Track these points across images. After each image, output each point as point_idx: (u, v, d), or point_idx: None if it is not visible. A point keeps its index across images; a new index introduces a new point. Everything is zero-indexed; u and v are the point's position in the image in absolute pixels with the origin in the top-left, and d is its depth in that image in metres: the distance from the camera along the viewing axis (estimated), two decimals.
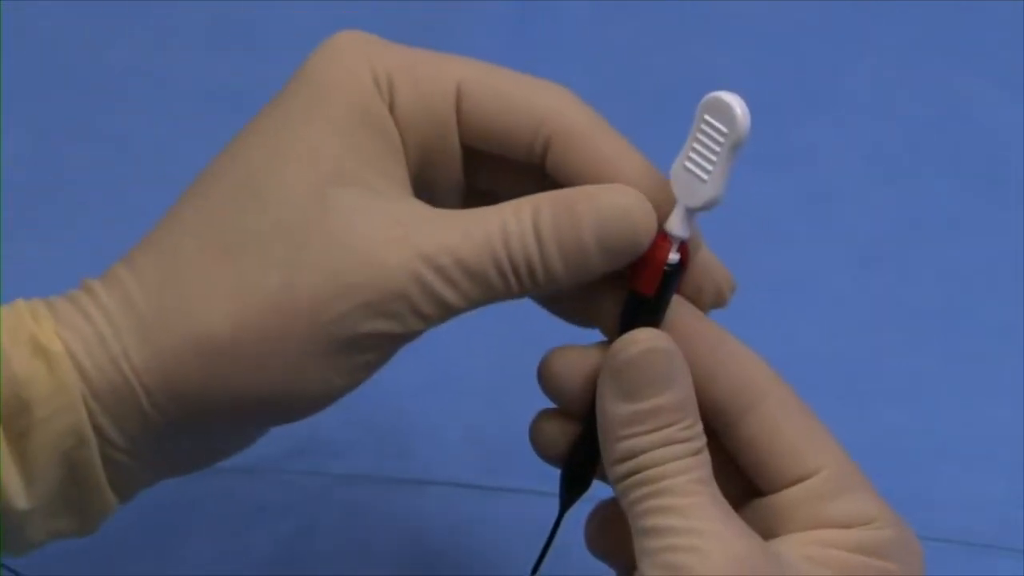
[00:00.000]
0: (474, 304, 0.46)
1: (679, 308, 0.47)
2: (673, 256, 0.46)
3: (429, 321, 0.45)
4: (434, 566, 0.59)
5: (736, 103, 0.45)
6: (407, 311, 0.45)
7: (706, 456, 0.46)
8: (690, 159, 0.46)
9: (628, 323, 0.47)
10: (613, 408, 0.46)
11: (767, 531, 0.47)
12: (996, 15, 0.77)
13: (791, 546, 0.46)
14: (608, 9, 0.77)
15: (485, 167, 0.48)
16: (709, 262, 0.49)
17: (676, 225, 0.46)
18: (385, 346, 0.46)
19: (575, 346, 0.48)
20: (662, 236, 0.46)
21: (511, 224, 0.45)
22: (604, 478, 0.48)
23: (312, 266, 0.45)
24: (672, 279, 0.46)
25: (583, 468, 0.48)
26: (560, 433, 0.49)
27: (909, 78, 0.75)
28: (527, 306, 0.63)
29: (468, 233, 0.45)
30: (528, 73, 0.77)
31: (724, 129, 0.45)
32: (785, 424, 0.47)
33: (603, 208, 0.46)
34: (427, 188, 0.48)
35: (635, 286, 0.47)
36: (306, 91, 0.48)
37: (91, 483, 0.46)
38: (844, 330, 0.67)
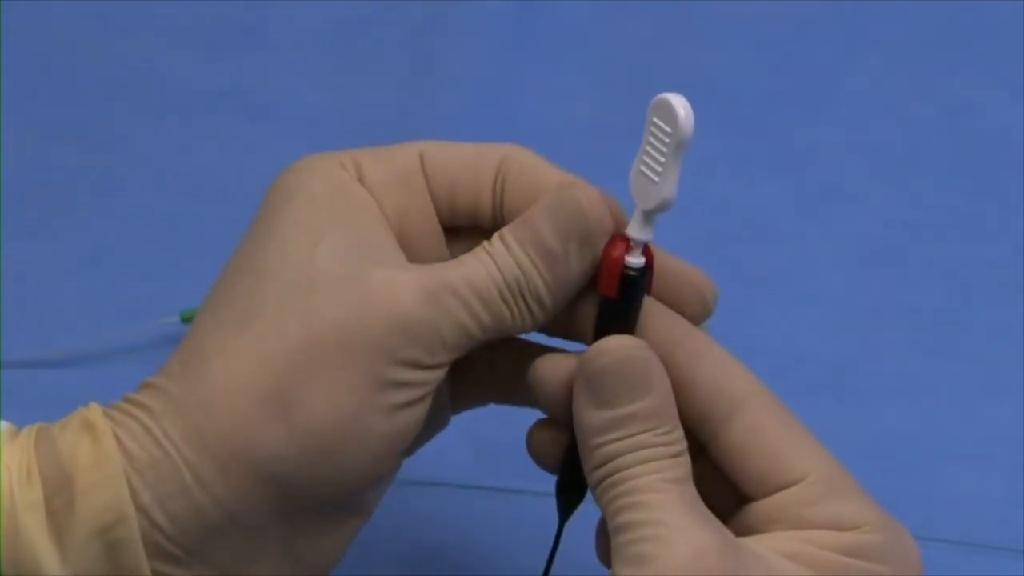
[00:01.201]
0: (489, 334, 0.47)
1: (656, 314, 0.48)
2: (636, 260, 0.47)
3: (452, 352, 0.47)
4: (433, 566, 0.59)
5: (679, 104, 0.46)
6: (433, 339, 0.46)
7: (684, 459, 0.46)
8: (643, 162, 0.47)
9: (602, 331, 0.47)
10: (587, 416, 0.46)
11: (752, 535, 0.47)
12: (997, 15, 0.77)
13: (772, 542, 0.46)
14: (608, 9, 0.77)
15: (460, 241, 0.50)
16: (685, 271, 0.49)
17: (635, 228, 0.47)
18: (417, 384, 0.46)
19: (559, 353, 0.48)
20: (618, 237, 0.47)
21: (496, 253, 0.47)
22: None
23: (330, 306, 0.46)
24: (638, 283, 0.47)
25: (577, 476, 0.48)
26: (553, 442, 0.49)
27: (909, 78, 0.75)
28: None
29: (467, 266, 0.47)
30: (528, 74, 0.76)
31: (668, 130, 0.46)
32: (768, 429, 0.47)
33: (549, 201, 0.47)
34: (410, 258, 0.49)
35: (600, 289, 0.47)
36: (282, 189, 0.49)
37: (132, 571, 0.45)
38: (844, 330, 0.67)
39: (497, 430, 0.62)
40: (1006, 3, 0.77)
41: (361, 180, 0.49)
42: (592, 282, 0.48)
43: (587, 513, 0.49)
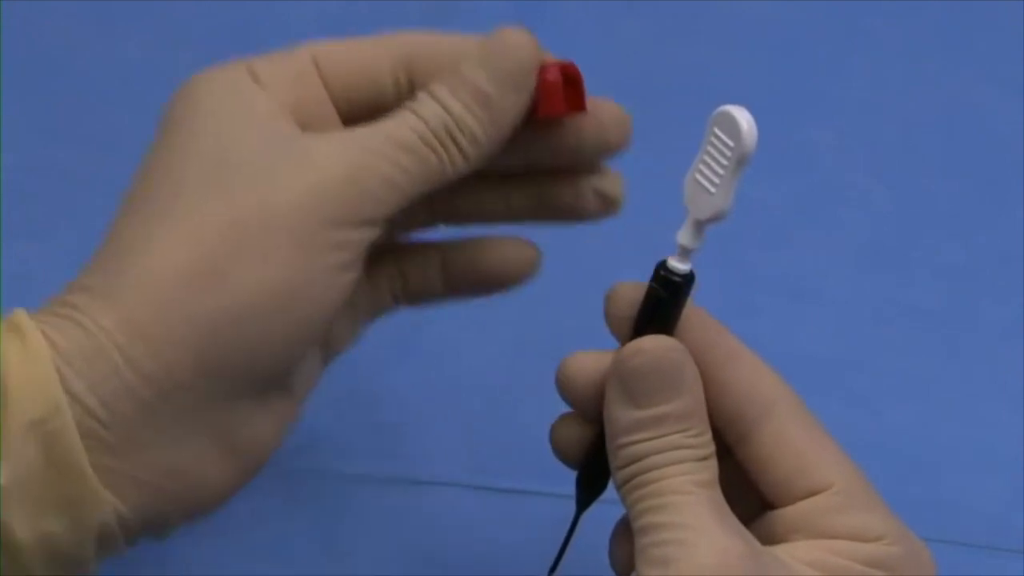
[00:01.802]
0: (419, 182, 0.48)
1: (693, 319, 0.48)
2: (683, 266, 0.47)
3: (382, 207, 0.47)
4: (433, 566, 0.59)
5: (742, 117, 0.46)
6: (359, 196, 0.47)
7: (712, 463, 0.46)
8: (700, 171, 0.47)
9: (639, 330, 0.47)
10: (618, 414, 0.47)
11: (775, 543, 0.47)
12: (997, 15, 0.77)
13: (794, 550, 0.46)
14: (608, 9, 0.77)
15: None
16: (603, 103, 0.53)
17: (685, 236, 0.47)
18: (349, 244, 0.47)
19: (590, 351, 0.48)
20: (549, 64, 0.51)
21: (419, 105, 0.48)
22: None
23: (251, 180, 0.47)
24: (681, 289, 0.47)
25: (598, 471, 0.49)
26: (577, 436, 0.49)
27: (909, 78, 0.75)
28: (527, 306, 0.63)
29: (384, 123, 0.48)
30: None
31: (731, 143, 0.46)
32: (795, 438, 0.48)
33: (482, 51, 0.50)
34: None
35: (540, 113, 0.50)
36: (185, 96, 0.51)
37: (71, 464, 0.45)
38: (844, 331, 0.67)
39: (497, 430, 0.62)
40: (1006, 3, 0.77)
41: (256, 81, 0.49)
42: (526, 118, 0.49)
43: (593, 516, 0.50)
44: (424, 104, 0.48)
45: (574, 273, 0.66)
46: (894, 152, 0.72)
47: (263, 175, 0.47)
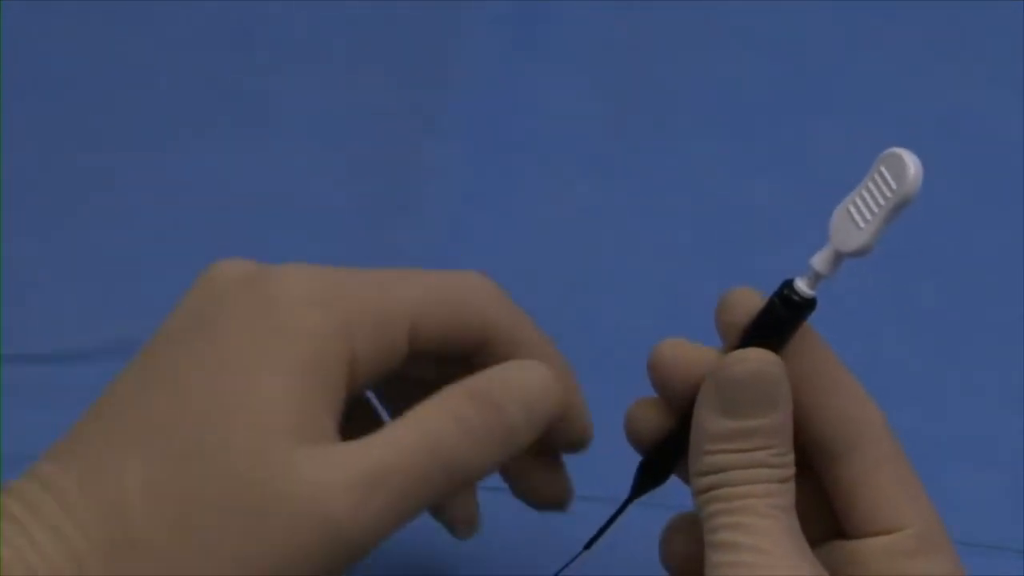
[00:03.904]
0: (425, 508, 0.47)
1: (807, 340, 0.48)
2: (810, 292, 0.47)
3: (370, 551, 0.46)
4: (434, 566, 0.59)
5: (911, 162, 0.46)
6: (357, 548, 0.45)
7: (791, 487, 0.47)
8: (855, 204, 0.47)
9: (747, 340, 0.47)
10: (709, 420, 0.47)
11: (838, 574, 0.48)
12: (997, 15, 0.77)
13: None
14: (608, 9, 0.77)
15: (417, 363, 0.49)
16: (580, 407, 0.51)
17: (820, 262, 0.48)
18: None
19: (692, 343, 0.49)
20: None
21: (445, 434, 0.46)
22: (684, 477, 0.49)
23: (267, 536, 0.44)
24: (801, 312, 0.47)
25: (666, 463, 0.49)
26: (654, 423, 0.49)
27: (909, 78, 0.75)
28: (526, 308, 0.62)
29: (402, 452, 0.45)
30: (528, 75, 0.75)
31: (894, 185, 0.46)
32: (883, 474, 0.48)
33: (521, 390, 0.47)
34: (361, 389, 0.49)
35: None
36: (252, 337, 0.47)
37: None
38: (844, 331, 0.66)
39: None
40: (1006, 3, 0.77)
41: (350, 351, 0.47)
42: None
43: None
44: (450, 440, 0.46)
45: (570, 267, 0.68)
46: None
47: (247, 510, 0.44)
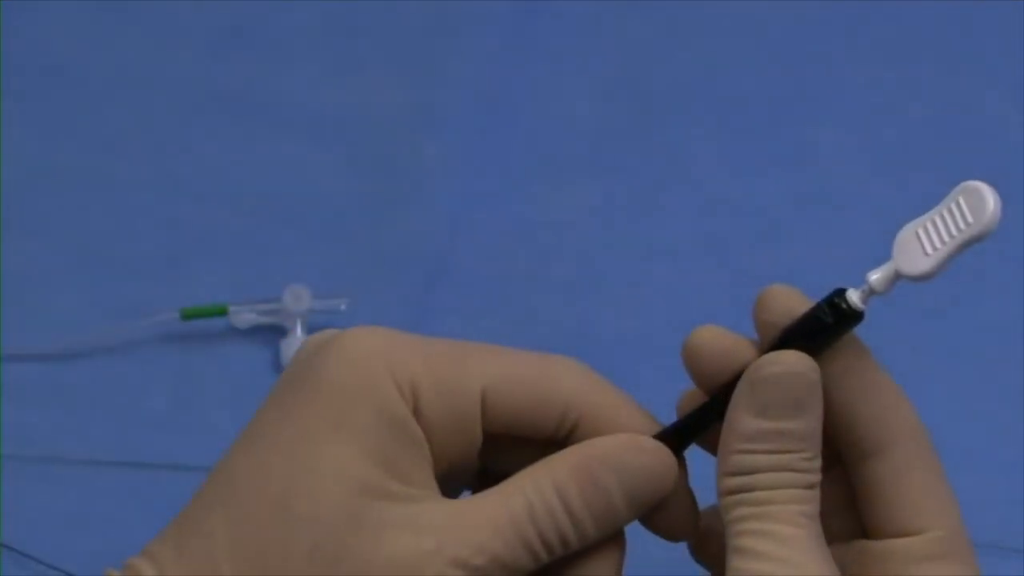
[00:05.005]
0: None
1: (849, 342, 0.48)
2: (860, 305, 0.47)
3: None
4: None
5: (992, 198, 0.46)
6: None
7: (817, 493, 0.47)
8: (925, 228, 0.47)
9: (786, 340, 0.48)
10: (741, 419, 0.47)
11: (856, 574, 0.48)
12: (997, 15, 0.77)
13: None
14: (608, 9, 0.77)
15: (499, 448, 0.50)
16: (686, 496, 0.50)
17: (878, 278, 0.47)
18: None
19: (730, 332, 0.49)
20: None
21: (538, 507, 0.47)
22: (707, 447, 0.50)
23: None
24: (848, 322, 0.47)
25: (682, 438, 0.49)
26: (687, 400, 0.50)
27: (909, 78, 0.75)
28: (526, 309, 0.66)
29: (498, 527, 0.47)
30: (528, 74, 0.74)
31: (970, 218, 0.46)
32: (912, 477, 0.48)
33: (629, 472, 0.48)
34: (446, 476, 0.49)
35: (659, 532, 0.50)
36: (327, 400, 0.48)
37: None
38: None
39: None
40: (1006, 3, 0.77)
41: (416, 411, 0.48)
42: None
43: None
44: (545, 513, 0.47)
45: (569, 265, 0.68)
46: (894, 152, 0.73)
47: (349, 570, 0.46)
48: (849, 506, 0.49)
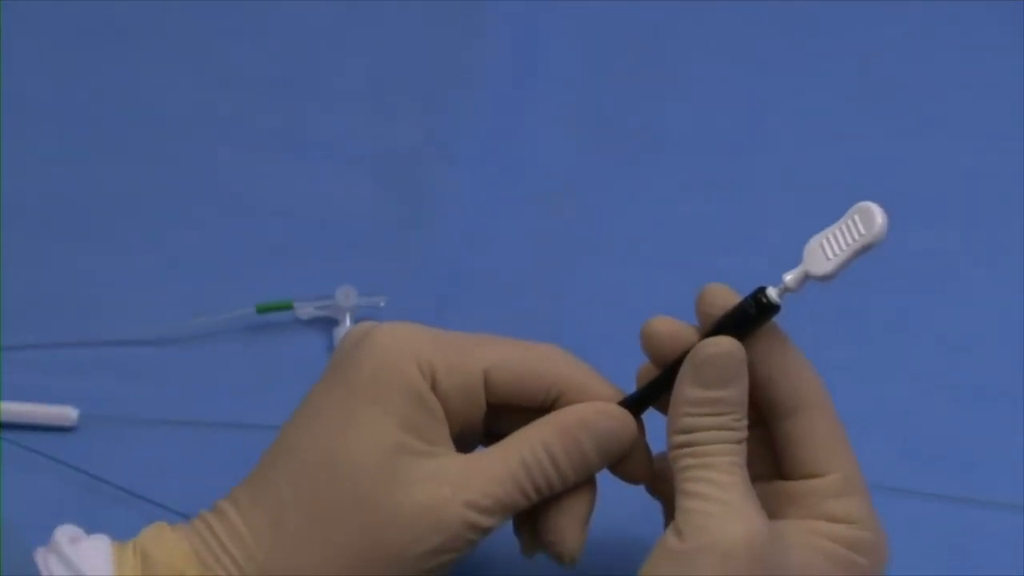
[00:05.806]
0: (506, 520, 0.54)
1: (771, 327, 0.53)
2: (777, 300, 0.52)
3: (475, 544, 0.53)
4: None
5: (880, 216, 0.50)
6: (462, 543, 0.52)
7: (744, 447, 0.52)
8: (828, 239, 0.51)
9: (720, 328, 0.53)
10: (686, 389, 0.52)
11: (775, 508, 0.53)
12: (996, 15, 0.79)
13: (793, 530, 0.52)
14: (607, 11, 0.80)
15: (500, 415, 0.56)
16: (644, 451, 0.56)
17: (792, 281, 0.52)
18: (447, 566, 0.53)
19: (677, 321, 0.54)
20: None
21: (530, 460, 0.53)
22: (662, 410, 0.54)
23: (387, 527, 0.51)
24: (767, 314, 0.52)
25: (641, 404, 0.55)
26: (643, 373, 0.56)
27: (908, 78, 0.77)
28: (526, 307, 0.71)
29: (500, 476, 0.52)
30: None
31: (863, 231, 0.50)
32: (819, 431, 0.53)
33: (600, 432, 0.54)
34: (459, 437, 0.55)
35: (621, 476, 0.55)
36: (365, 380, 0.53)
37: None
38: (844, 331, 0.70)
39: None
40: (1006, 3, 0.78)
41: (434, 388, 0.53)
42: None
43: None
44: (536, 465, 0.53)
45: (558, 260, 0.73)
46: (894, 152, 0.75)
47: (386, 511, 0.52)
48: (768, 455, 0.54)
